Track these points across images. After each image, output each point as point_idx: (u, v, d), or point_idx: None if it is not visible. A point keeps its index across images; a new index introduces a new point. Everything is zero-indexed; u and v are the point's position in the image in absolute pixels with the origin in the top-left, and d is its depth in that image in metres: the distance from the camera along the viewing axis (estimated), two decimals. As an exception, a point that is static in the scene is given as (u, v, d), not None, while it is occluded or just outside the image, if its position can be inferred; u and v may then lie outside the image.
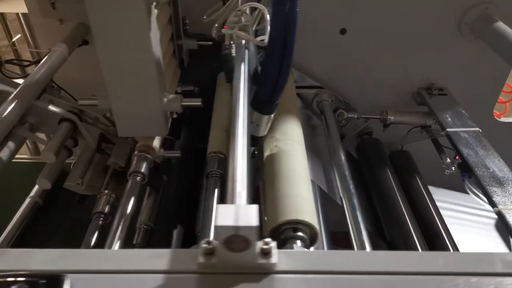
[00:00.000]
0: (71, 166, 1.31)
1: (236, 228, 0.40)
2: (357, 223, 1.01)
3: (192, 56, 1.39)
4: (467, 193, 1.47)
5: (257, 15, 1.00)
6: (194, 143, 1.35)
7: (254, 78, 0.90)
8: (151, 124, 0.97)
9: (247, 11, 0.88)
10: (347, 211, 1.05)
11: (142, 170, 1.00)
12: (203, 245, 0.44)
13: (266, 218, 1.01)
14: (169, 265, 0.45)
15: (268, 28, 0.82)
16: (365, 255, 0.48)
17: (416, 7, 1.38)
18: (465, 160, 1.22)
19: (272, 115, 0.87)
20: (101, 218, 1.04)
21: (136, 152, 1.03)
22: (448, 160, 1.45)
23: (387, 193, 1.35)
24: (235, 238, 0.41)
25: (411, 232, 1.23)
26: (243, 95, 0.64)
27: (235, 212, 0.42)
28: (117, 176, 1.24)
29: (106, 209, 1.07)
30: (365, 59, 1.49)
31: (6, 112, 0.98)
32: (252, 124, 0.88)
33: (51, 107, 1.21)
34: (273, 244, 0.44)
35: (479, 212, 1.53)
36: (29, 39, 1.47)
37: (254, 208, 0.42)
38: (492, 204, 1.10)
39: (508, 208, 1.08)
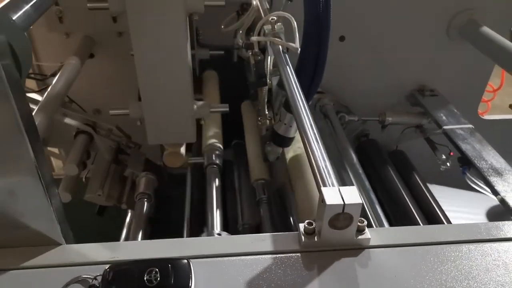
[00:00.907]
0: (83, 178, 1.31)
1: (344, 206, 0.45)
2: (378, 218, 1.07)
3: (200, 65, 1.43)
4: (461, 188, 1.58)
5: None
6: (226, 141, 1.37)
7: (280, 83, 0.95)
8: (182, 131, 1.00)
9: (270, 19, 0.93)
10: (367, 206, 1.11)
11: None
12: (305, 226, 0.48)
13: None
14: (273, 247, 0.48)
15: (297, 35, 0.88)
16: (440, 228, 0.54)
17: (409, 15, 1.48)
18: (464, 154, 1.31)
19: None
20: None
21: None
22: (444, 156, 1.54)
23: (392, 190, 1.42)
24: (340, 216, 0.46)
25: (419, 223, 1.31)
26: (299, 92, 0.68)
27: (339, 193, 0.46)
28: (134, 186, 1.25)
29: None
30: (362, 64, 1.58)
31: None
32: (284, 126, 0.93)
33: (68, 120, 1.21)
34: (365, 222, 0.49)
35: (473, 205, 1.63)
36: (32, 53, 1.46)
37: (355, 188, 0.47)
38: (495, 192, 1.19)
39: (510, 195, 1.17)
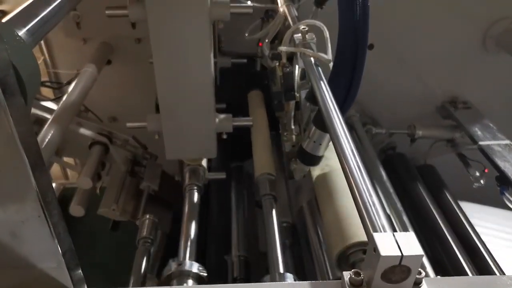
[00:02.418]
0: (98, 190, 1.25)
1: (401, 258, 0.37)
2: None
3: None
4: (493, 206, 1.48)
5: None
6: (227, 162, 1.32)
7: (310, 96, 0.88)
8: (202, 145, 0.94)
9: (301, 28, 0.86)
10: (398, 228, 1.03)
11: (199, 183, 0.96)
12: (351, 276, 0.41)
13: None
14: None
15: (329, 45, 0.81)
16: (501, 280, 0.46)
17: (441, 23, 1.40)
18: (503, 173, 1.21)
19: (335, 134, 0.85)
20: (148, 243, 0.99)
21: (187, 167, 0.98)
22: (477, 173, 1.45)
23: (422, 208, 1.33)
24: (396, 269, 0.38)
25: (453, 248, 1.22)
26: (335, 110, 0.61)
27: (395, 240, 0.39)
28: (152, 199, 1.20)
29: (152, 233, 1.01)
30: (391, 74, 1.49)
31: (47, 139, 0.92)
32: (314, 143, 0.85)
33: (82, 130, 1.17)
34: (423, 273, 0.41)
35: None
36: (48, 60, 1.42)
37: (413, 235, 0.39)
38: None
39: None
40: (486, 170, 1.46)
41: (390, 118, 1.59)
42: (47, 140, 0.92)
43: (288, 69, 0.83)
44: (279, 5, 1.02)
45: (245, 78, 1.43)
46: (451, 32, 1.42)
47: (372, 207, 0.44)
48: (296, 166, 0.95)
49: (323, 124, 0.82)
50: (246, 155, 1.36)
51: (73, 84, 1.12)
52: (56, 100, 1.22)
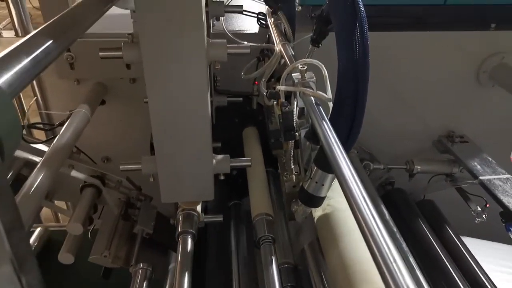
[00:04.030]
0: (89, 233, 1.20)
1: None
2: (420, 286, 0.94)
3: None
4: (495, 240, 1.45)
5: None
6: (225, 200, 1.28)
7: (311, 136, 0.86)
8: (199, 188, 0.90)
9: (299, 67, 0.85)
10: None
11: (192, 230, 0.91)
12: None
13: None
14: None
15: (328, 83, 0.80)
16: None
17: (436, 59, 1.41)
18: (507, 209, 1.19)
19: (336, 174, 0.82)
20: (142, 295, 0.93)
21: (180, 211, 0.94)
22: (479, 208, 1.42)
23: (426, 245, 1.30)
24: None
25: (460, 286, 1.17)
26: (342, 152, 0.59)
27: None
28: (146, 244, 1.14)
29: (144, 285, 0.96)
30: (386, 109, 1.49)
31: (36, 184, 0.88)
32: (316, 184, 0.83)
33: (74, 173, 1.13)
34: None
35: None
36: (40, 100, 1.40)
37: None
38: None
39: None
40: (487, 205, 1.44)
41: (388, 153, 1.58)
42: (36, 184, 0.88)
43: (287, 108, 0.82)
44: (275, 44, 1.02)
45: (240, 116, 1.42)
46: (445, 68, 1.43)
47: (393, 263, 0.41)
48: (297, 207, 0.91)
49: (325, 164, 0.80)
50: (244, 193, 1.33)
51: (65, 126, 1.09)
52: (47, 142, 1.18)
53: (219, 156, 0.91)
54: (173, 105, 0.79)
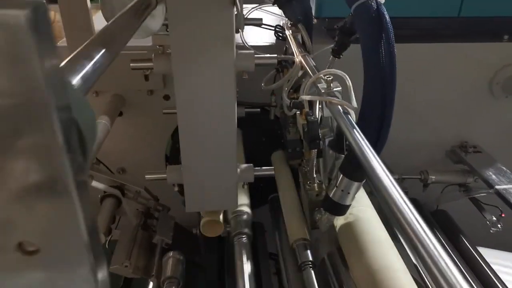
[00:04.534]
0: (106, 244, 1.20)
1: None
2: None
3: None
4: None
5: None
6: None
7: (335, 145, 0.87)
8: (223, 197, 0.91)
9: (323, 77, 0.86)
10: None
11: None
12: None
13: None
14: None
15: (353, 94, 0.81)
16: None
17: (448, 70, 1.43)
18: (525, 218, 1.19)
19: (362, 182, 0.83)
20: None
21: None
22: (494, 218, 1.42)
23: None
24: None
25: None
26: (376, 159, 0.59)
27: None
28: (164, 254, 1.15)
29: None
30: (401, 121, 1.50)
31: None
32: (341, 192, 0.83)
33: (94, 183, 1.14)
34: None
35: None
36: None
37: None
38: None
39: None
40: (502, 214, 1.44)
41: (401, 164, 1.59)
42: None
43: (312, 117, 0.83)
44: (295, 55, 1.03)
45: (258, 127, 1.44)
46: (458, 79, 1.45)
47: (449, 273, 0.41)
48: (321, 216, 0.92)
49: (351, 172, 0.81)
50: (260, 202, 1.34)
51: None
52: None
53: (243, 166, 0.92)
54: (201, 115, 0.80)
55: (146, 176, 0.91)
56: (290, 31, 1.16)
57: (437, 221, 1.51)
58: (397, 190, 0.53)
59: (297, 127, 1.04)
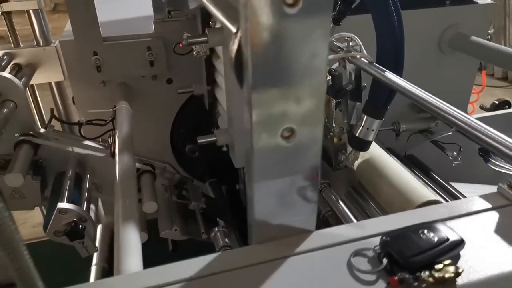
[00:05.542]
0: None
1: None
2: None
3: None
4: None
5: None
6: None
7: (354, 94, 1.06)
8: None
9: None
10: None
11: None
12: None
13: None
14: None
15: (363, 49, 1.01)
16: None
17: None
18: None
19: (382, 120, 1.04)
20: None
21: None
22: (455, 153, 1.72)
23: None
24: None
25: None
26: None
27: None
28: (204, 217, 1.27)
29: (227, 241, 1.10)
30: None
31: (127, 168, 0.99)
32: (367, 130, 1.03)
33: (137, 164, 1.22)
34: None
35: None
36: (60, 105, 1.46)
37: None
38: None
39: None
40: (461, 149, 1.74)
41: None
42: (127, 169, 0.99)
43: (336, 73, 1.01)
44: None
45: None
46: (412, 42, 1.71)
47: None
48: (347, 155, 1.11)
49: (373, 111, 1.01)
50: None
51: (117, 120, 1.19)
52: (94, 139, 1.26)
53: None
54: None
55: (198, 141, 1.03)
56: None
57: (409, 164, 1.78)
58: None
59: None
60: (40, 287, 0.36)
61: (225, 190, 1.56)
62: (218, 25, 0.92)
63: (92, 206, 1.16)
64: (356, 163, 1.19)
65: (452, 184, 1.67)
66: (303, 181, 0.49)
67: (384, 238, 0.49)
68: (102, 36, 1.32)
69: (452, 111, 0.76)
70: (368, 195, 1.17)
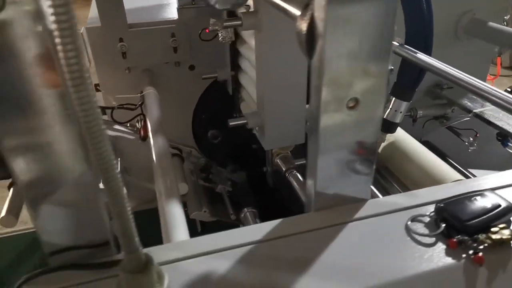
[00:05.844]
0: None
1: None
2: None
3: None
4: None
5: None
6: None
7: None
8: (295, 133, 1.08)
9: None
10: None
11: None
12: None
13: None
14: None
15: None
16: None
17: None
18: (502, 129, 1.51)
19: (410, 102, 1.06)
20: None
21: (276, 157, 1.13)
22: (471, 139, 1.74)
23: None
24: None
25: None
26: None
27: None
28: (231, 199, 1.30)
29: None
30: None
31: (163, 149, 1.01)
32: (395, 112, 1.05)
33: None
34: None
35: None
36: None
37: None
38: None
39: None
40: (477, 135, 1.77)
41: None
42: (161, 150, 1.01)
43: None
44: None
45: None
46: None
47: None
48: (374, 137, 1.13)
49: (401, 93, 1.03)
50: None
51: (147, 105, 1.22)
52: (124, 124, 1.29)
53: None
54: (280, 65, 0.96)
55: (229, 123, 1.06)
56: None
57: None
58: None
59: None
60: (138, 243, 0.38)
61: (246, 175, 1.59)
62: (251, 10, 0.94)
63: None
64: (382, 145, 1.21)
65: (470, 170, 1.70)
66: (363, 151, 0.52)
67: (439, 205, 0.52)
68: (127, 23, 1.35)
69: (489, 88, 0.78)
70: (392, 177, 1.19)
